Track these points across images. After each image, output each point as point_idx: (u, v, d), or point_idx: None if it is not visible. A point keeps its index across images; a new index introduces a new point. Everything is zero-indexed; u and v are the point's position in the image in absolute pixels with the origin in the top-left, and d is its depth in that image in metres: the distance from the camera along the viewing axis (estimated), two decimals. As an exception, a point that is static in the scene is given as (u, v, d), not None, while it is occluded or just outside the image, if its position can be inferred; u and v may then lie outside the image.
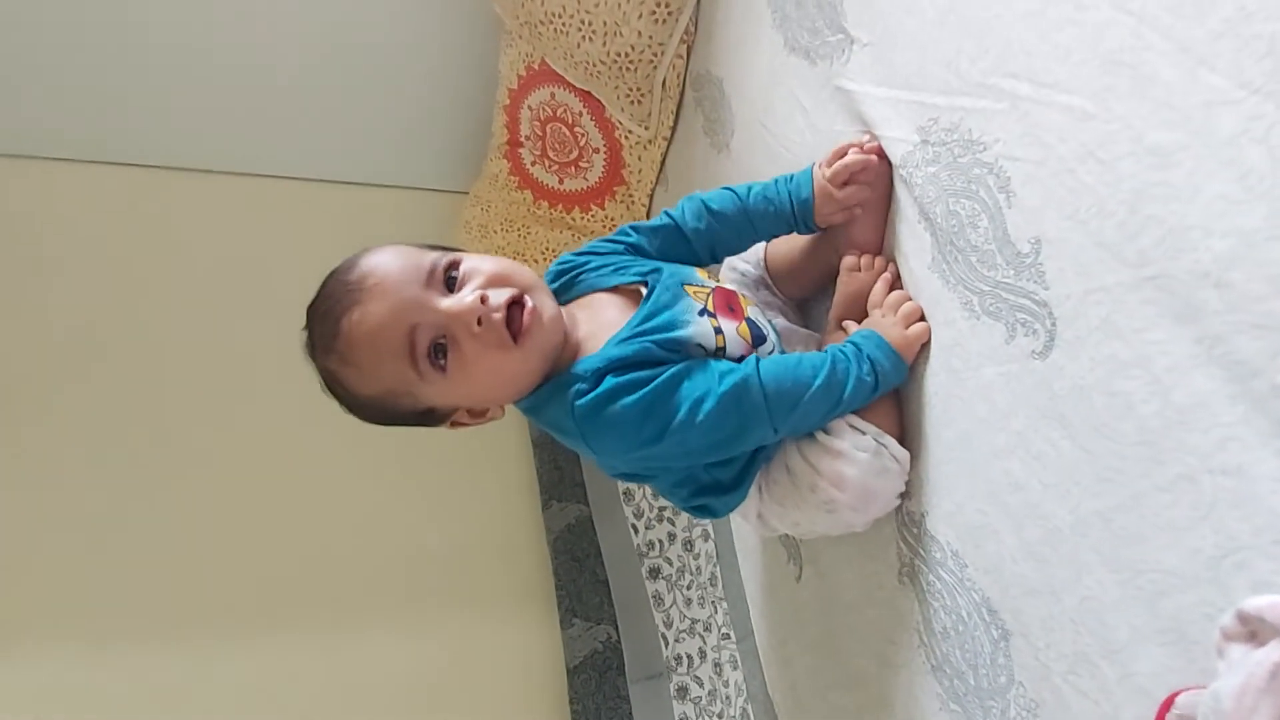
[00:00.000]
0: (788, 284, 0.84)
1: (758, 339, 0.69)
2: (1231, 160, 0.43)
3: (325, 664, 1.18)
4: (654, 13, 1.11)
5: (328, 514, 1.27)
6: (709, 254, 0.78)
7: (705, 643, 1.12)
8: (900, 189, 0.70)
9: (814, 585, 0.83)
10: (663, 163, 1.24)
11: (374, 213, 1.52)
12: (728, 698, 1.05)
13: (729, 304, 0.70)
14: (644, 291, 0.68)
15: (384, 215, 1.53)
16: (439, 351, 0.60)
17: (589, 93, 1.23)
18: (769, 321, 0.74)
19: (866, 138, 0.72)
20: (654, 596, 1.22)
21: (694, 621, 1.15)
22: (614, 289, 0.70)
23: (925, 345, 0.67)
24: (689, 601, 1.17)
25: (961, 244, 0.63)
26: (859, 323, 0.70)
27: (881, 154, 0.70)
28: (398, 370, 0.60)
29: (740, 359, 0.66)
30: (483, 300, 0.59)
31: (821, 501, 0.66)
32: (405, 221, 1.52)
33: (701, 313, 0.67)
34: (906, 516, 0.69)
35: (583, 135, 1.30)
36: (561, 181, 1.38)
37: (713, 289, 0.71)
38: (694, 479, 0.69)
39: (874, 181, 0.70)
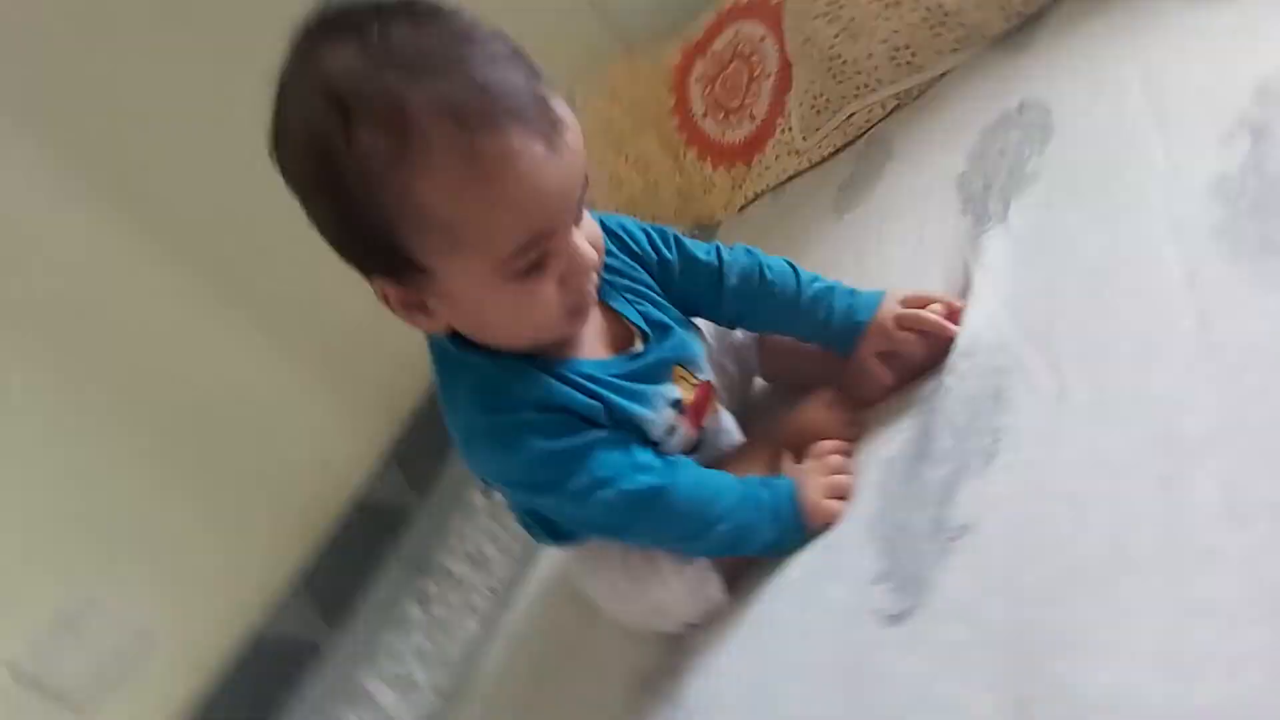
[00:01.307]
0: (774, 362, 0.77)
1: (696, 446, 0.65)
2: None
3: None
4: (896, 53, 1.02)
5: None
6: (730, 319, 0.70)
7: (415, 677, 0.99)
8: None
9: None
10: (786, 180, 1.16)
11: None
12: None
13: (700, 408, 0.64)
14: (639, 348, 0.62)
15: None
16: (533, 268, 0.50)
17: (788, 64, 1.14)
18: (715, 424, 0.68)
19: (958, 304, 0.64)
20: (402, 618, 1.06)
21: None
22: (613, 311, 0.63)
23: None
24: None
25: (918, 468, 0.56)
26: (795, 454, 0.65)
27: (956, 324, 0.62)
28: (484, 234, 0.48)
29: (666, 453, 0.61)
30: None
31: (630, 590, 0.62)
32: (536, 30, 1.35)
33: (673, 404, 0.61)
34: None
35: (751, 98, 1.21)
36: (700, 117, 1.29)
37: (699, 384, 0.64)
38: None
39: (931, 348, 0.63)
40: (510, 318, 0.54)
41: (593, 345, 0.61)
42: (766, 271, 0.68)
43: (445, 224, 0.47)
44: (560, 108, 0.49)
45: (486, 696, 0.86)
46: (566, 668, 0.76)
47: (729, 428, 0.71)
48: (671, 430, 0.61)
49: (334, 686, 0.99)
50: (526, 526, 0.67)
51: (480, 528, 1.10)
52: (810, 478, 0.61)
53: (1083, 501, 0.45)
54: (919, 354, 0.63)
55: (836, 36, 1.05)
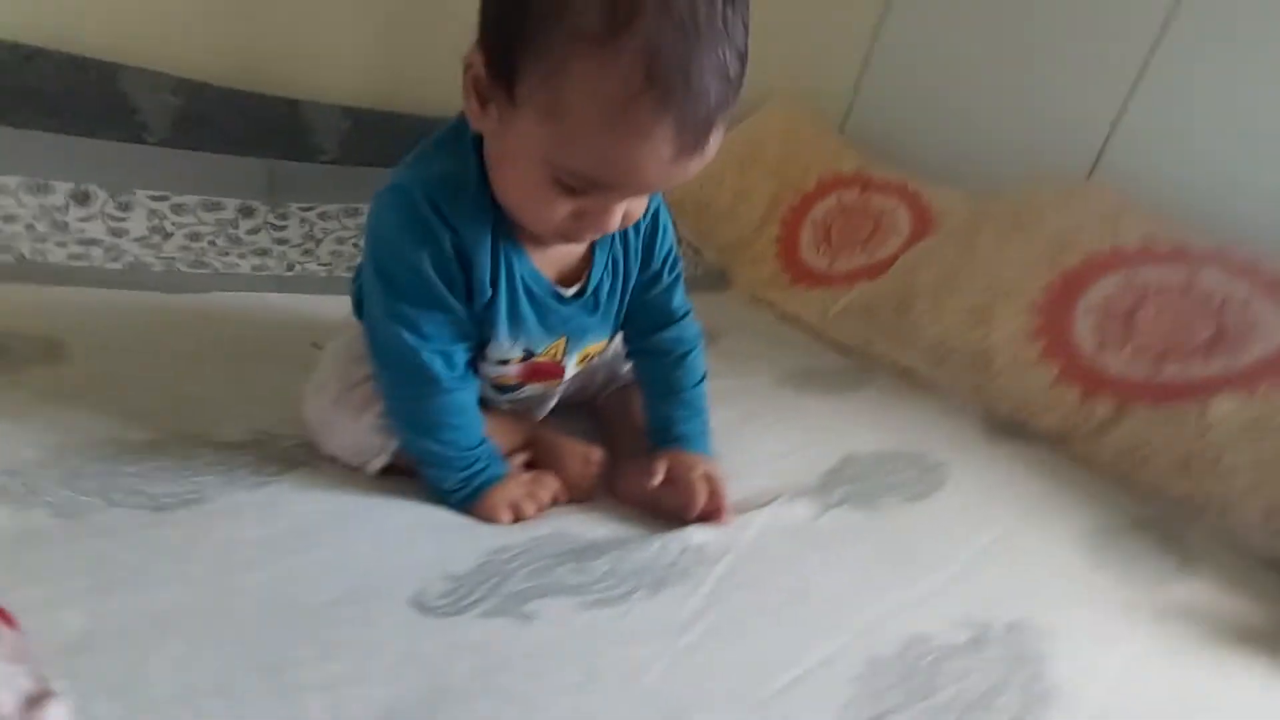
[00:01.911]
0: (614, 404, 0.80)
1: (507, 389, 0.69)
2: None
3: None
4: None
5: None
6: (635, 356, 0.76)
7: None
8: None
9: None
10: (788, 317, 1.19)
11: None
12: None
13: (538, 376, 0.69)
14: (568, 294, 0.65)
15: None
16: (570, 189, 0.52)
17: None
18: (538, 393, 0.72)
19: (730, 521, 0.68)
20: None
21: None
22: (588, 255, 0.66)
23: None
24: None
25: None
26: (540, 461, 0.69)
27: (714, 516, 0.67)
28: (571, 145, 0.49)
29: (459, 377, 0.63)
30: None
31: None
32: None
33: (524, 357, 0.66)
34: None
35: (865, 245, 1.25)
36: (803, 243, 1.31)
37: (557, 364, 0.69)
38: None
39: (680, 510, 0.67)
40: (520, 193, 0.56)
41: (550, 258, 0.64)
42: (686, 359, 0.74)
43: (558, 106, 0.47)
44: (715, 137, 0.50)
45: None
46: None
47: (546, 403, 0.76)
48: (504, 363, 0.66)
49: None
50: (352, 284, 0.71)
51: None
52: (514, 486, 0.65)
53: None
54: (676, 504, 0.67)
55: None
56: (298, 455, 0.65)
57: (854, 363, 1.12)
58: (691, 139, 0.48)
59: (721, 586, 0.60)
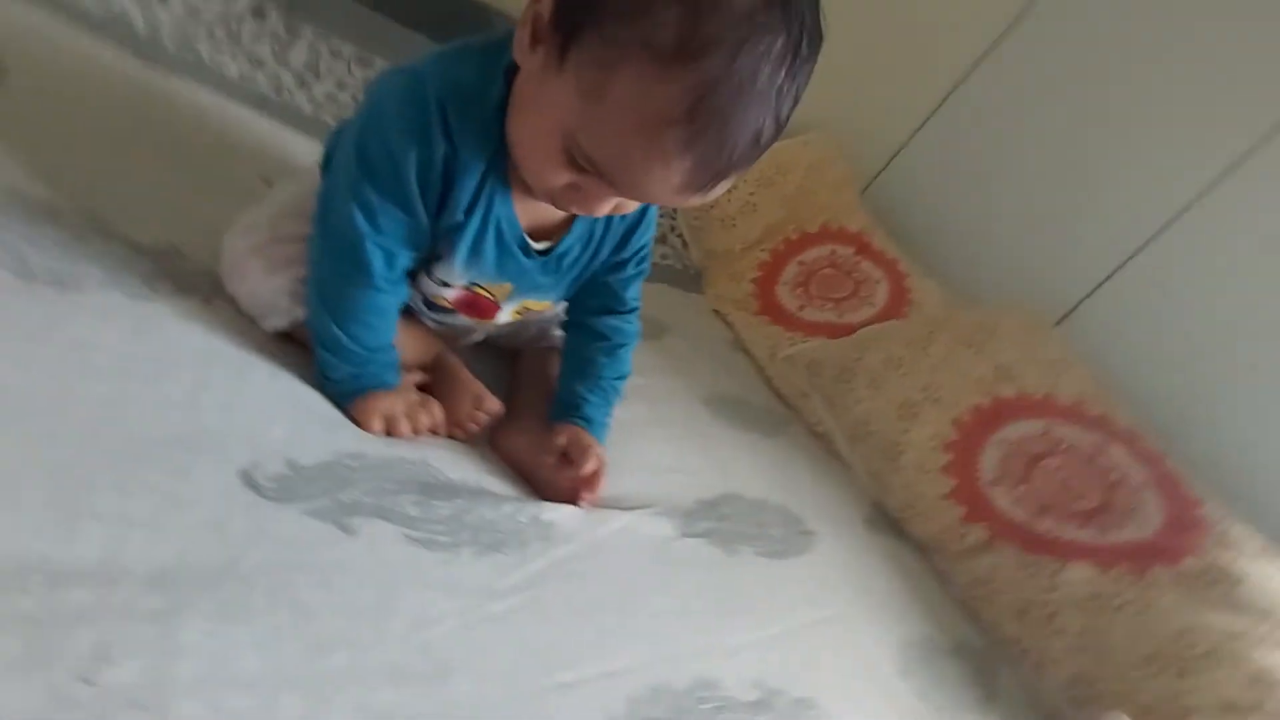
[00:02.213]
0: (534, 361, 0.80)
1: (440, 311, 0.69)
2: None
3: None
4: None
5: None
6: (573, 326, 0.75)
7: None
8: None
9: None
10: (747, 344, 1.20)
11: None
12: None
13: (471, 310, 0.68)
14: (539, 248, 0.64)
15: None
16: (574, 163, 0.51)
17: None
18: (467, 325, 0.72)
19: (591, 504, 0.69)
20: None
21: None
22: (569, 220, 0.65)
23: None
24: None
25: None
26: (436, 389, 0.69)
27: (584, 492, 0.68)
28: (598, 130, 0.49)
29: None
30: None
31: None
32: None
33: (471, 286, 0.66)
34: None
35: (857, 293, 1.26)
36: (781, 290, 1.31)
37: (494, 305, 0.68)
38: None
39: (563, 482, 0.68)
40: (529, 145, 0.54)
41: (530, 208, 0.62)
42: (618, 350, 0.75)
43: (600, 92, 0.47)
44: (723, 186, 0.51)
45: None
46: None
47: (470, 336, 0.75)
48: (445, 285, 0.65)
49: None
50: (330, 138, 0.68)
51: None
52: (397, 400, 0.63)
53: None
54: (550, 478, 0.68)
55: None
56: (197, 283, 0.62)
57: (779, 409, 1.13)
58: (702, 181, 0.49)
59: (551, 570, 0.60)
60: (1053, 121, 1.31)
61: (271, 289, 0.61)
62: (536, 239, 0.64)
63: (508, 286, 0.66)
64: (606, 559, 0.65)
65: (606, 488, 0.70)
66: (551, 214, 0.63)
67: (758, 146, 0.48)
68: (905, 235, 1.40)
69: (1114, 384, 1.10)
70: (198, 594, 0.42)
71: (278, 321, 0.62)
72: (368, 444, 0.60)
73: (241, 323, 0.62)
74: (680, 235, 1.41)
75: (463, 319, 0.70)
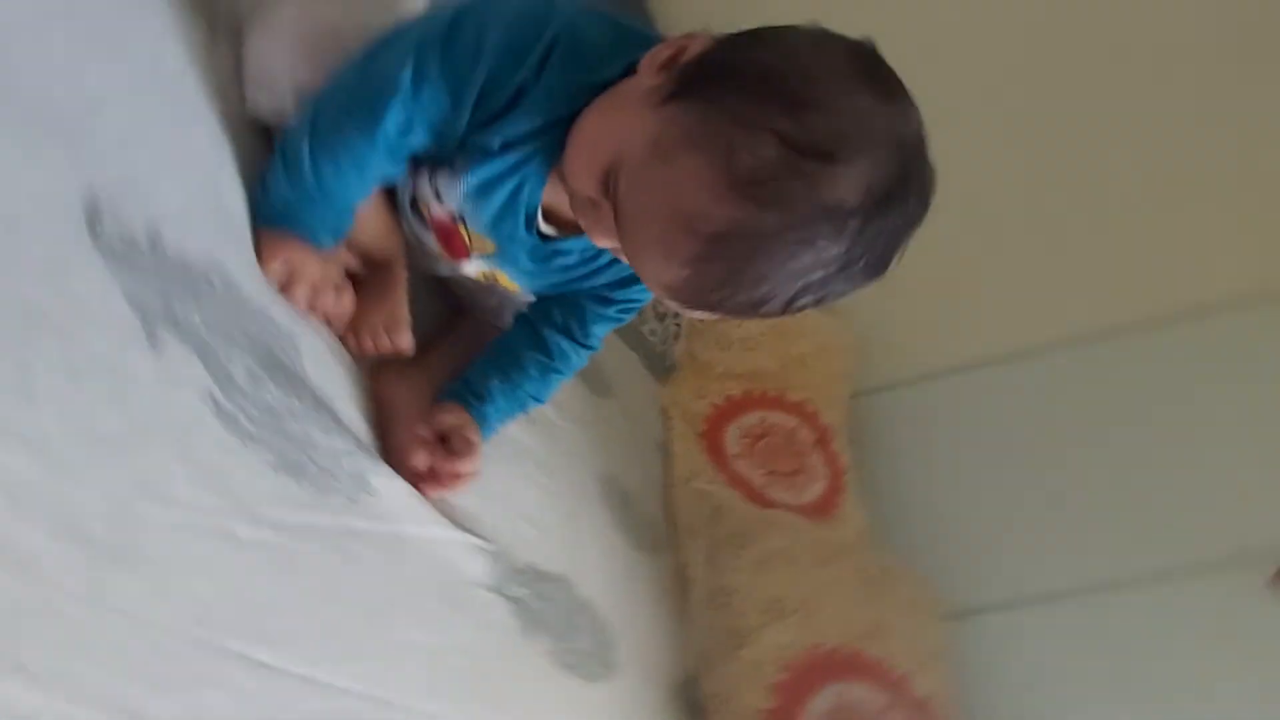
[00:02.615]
0: (476, 327, 0.73)
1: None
2: None
3: None
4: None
5: None
6: (532, 318, 0.68)
7: None
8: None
9: None
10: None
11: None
12: None
13: (445, 239, 0.61)
14: (543, 231, 0.59)
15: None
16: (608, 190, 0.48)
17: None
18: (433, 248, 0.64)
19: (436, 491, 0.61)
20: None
21: None
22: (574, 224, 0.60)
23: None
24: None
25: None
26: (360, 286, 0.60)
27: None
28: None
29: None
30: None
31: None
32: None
33: (455, 217, 0.59)
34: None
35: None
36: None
37: (468, 256, 0.62)
38: None
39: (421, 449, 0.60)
40: (586, 140, 0.50)
41: (560, 195, 0.56)
42: (552, 374, 0.68)
43: (671, 155, 0.44)
44: (725, 316, 0.48)
45: None
46: None
47: (435, 264, 0.67)
48: (437, 198, 0.58)
49: None
50: None
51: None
52: (315, 263, 0.55)
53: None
54: (419, 453, 0.59)
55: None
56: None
57: (661, 530, 1.06)
58: (686, 299, 0.46)
59: (332, 534, 0.50)
60: (1057, 446, 1.32)
61: (287, 66, 0.53)
62: (547, 221, 0.58)
63: (490, 246, 0.60)
64: (396, 561, 0.55)
65: (455, 495, 0.61)
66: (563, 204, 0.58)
67: (754, 311, 0.46)
68: (863, 454, 1.38)
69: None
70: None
71: (264, 101, 0.54)
72: (249, 279, 0.51)
73: (227, 81, 0.54)
74: (678, 324, 1.37)
75: (431, 243, 0.63)
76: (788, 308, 0.45)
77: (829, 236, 0.42)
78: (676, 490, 1.13)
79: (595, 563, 0.84)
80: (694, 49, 0.47)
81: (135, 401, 0.40)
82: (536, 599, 0.70)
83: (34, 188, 0.38)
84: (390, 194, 0.62)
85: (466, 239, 0.60)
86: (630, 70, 0.50)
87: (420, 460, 0.59)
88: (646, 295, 0.66)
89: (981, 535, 1.28)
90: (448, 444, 0.60)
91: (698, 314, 0.47)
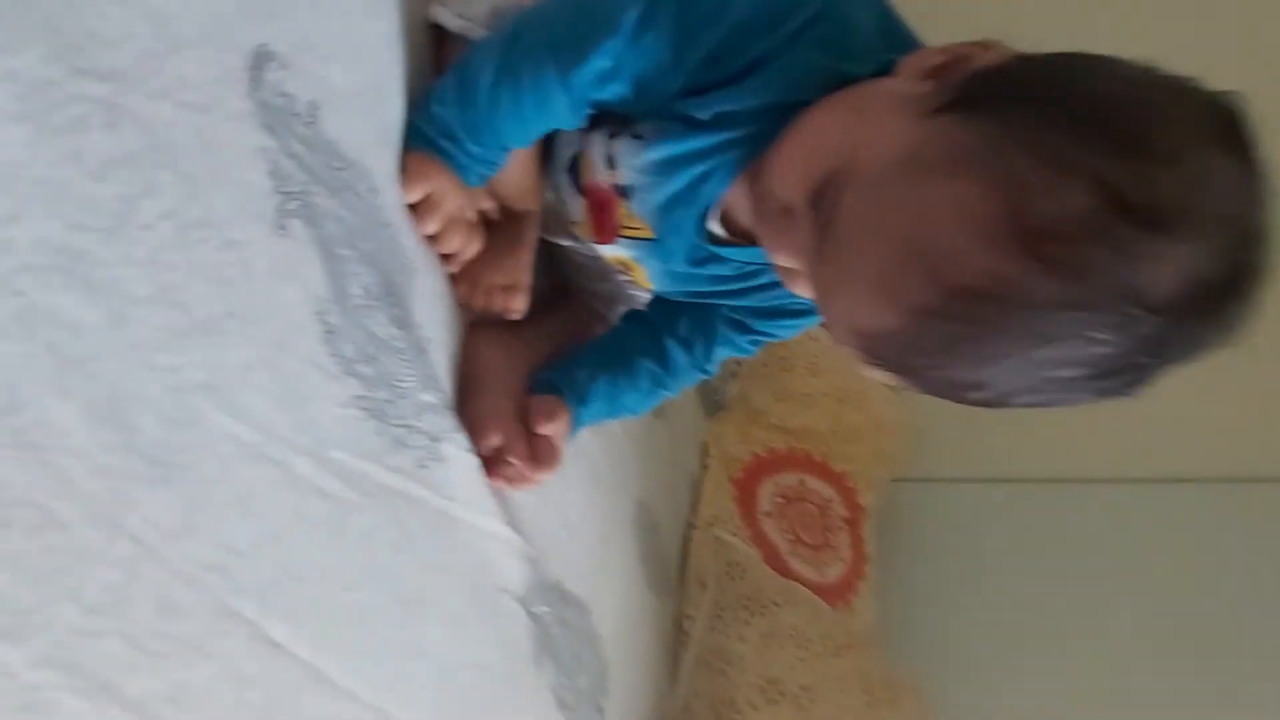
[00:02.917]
0: (582, 307, 0.65)
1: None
2: None
3: None
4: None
5: None
6: (658, 318, 0.61)
7: None
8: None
9: None
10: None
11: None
12: None
13: (598, 207, 0.53)
14: (714, 228, 0.50)
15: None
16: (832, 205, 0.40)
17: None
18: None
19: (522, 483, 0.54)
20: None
21: None
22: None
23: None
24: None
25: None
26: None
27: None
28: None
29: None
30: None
31: None
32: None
33: (620, 189, 0.51)
34: None
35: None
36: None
37: (616, 234, 0.53)
38: None
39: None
40: (807, 138, 0.42)
41: (744, 202, 0.48)
42: (659, 387, 0.61)
43: (931, 173, 0.35)
44: (906, 383, 0.39)
45: None
46: None
47: (567, 239, 0.60)
48: (608, 165, 0.50)
49: None
50: None
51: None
52: (457, 202, 0.49)
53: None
54: (509, 430, 0.53)
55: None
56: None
57: (671, 574, 0.98)
58: (876, 353, 0.37)
59: (388, 499, 0.42)
60: (1092, 581, 1.25)
61: None
62: (721, 224, 0.50)
63: (647, 232, 0.52)
64: (443, 546, 0.47)
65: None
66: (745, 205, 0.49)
67: (955, 394, 0.37)
68: (887, 543, 1.30)
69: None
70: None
71: (449, 15, 0.48)
72: (390, 193, 0.44)
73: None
74: (739, 362, 1.30)
75: (575, 210, 0.56)
76: (1000, 403, 0.36)
77: (1112, 330, 0.31)
78: (697, 534, 1.05)
79: (615, 594, 0.76)
80: (987, 58, 0.38)
81: (238, 284, 0.32)
82: (556, 622, 0.62)
83: (208, 11, 0.31)
84: (545, 145, 0.55)
85: (622, 217, 0.53)
86: (883, 71, 0.42)
87: (497, 440, 0.51)
88: (789, 333, 0.58)
89: (992, 658, 1.20)
90: (532, 440, 0.53)
91: (877, 374, 0.39)
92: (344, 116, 0.39)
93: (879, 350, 0.37)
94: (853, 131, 0.39)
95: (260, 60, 0.33)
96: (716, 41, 0.42)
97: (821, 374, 1.27)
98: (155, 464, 0.28)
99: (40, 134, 0.24)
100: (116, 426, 0.27)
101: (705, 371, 0.61)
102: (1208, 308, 0.32)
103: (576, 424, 0.57)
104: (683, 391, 1.15)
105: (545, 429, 0.53)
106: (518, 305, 0.54)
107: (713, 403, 1.24)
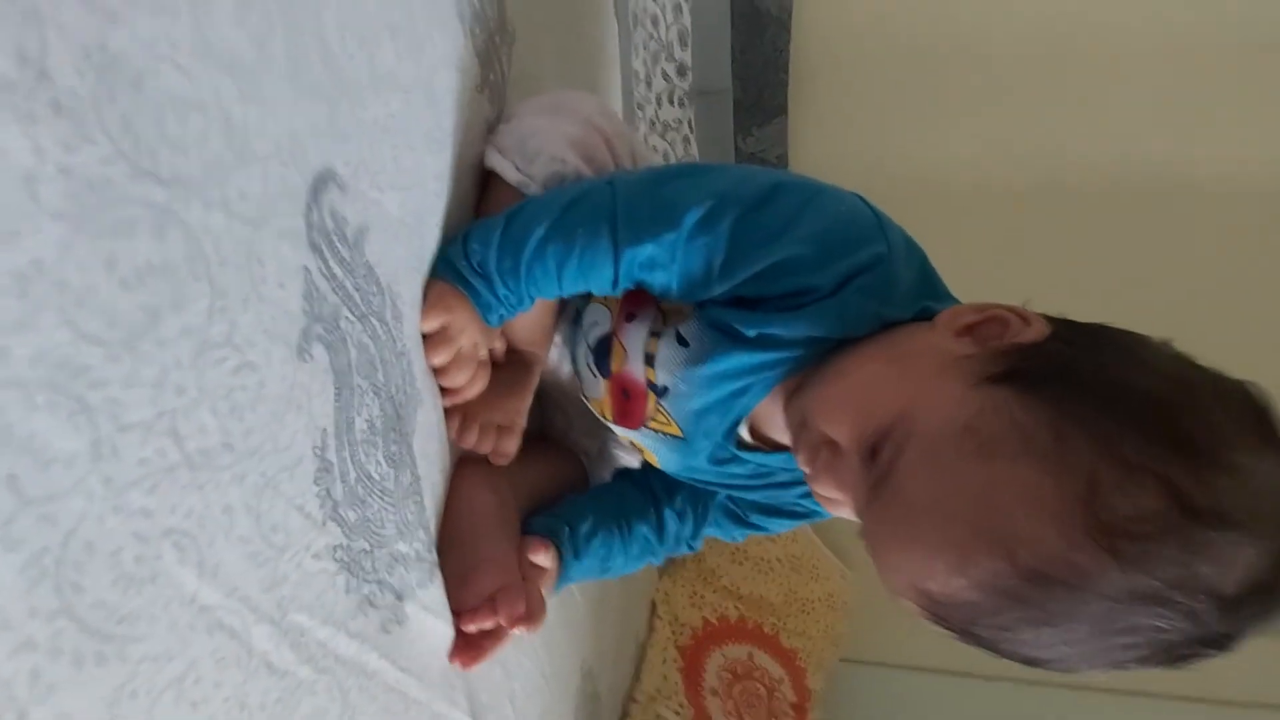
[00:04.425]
0: (559, 459, 0.62)
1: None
2: None
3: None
4: None
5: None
6: (654, 500, 0.58)
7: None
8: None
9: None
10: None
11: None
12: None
13: (626, 402, 0.51)
14: (743, 435, 0.50)
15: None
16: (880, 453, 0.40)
17: None
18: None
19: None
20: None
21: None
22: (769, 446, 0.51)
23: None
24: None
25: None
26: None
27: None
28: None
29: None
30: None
31: None
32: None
33: (653, 386, 0.50)
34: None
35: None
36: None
37: (640, 426, 0.51)
38: None
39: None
40: (854, 388, 0.42)
41: (774, 413, 0.47)
42: (648, 553, 0.59)
43: (993, 453, 0.35)
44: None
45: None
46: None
47: (571, 391, 0.58)
48: (650, 364, 0.49)
49: None
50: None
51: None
52: (472, 339, 0.47)
53: None
54: (502, 578, 0.48)
55: None
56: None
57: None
58: (922, 608, 0.37)
59: (342, 665, 0.35)
60: None
61: (559, 137, 0.48)
62: (749, 432, 0.50)
63: (676, 430, 0.50)
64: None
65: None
66: (780, 429, 0.48)
67: (1017, 658, 0.36)
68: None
69: None
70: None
71: (509, 166, 0.48)
72: (410, 320, 0.41)
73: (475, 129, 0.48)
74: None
75: (593, 389, 0.53)
76: (1062, 671, 0.35)
77: (1180, 619, 0.32)
78: (637, 709, 0.95)
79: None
80: (1029, 333, 0.39)
81: (244, 412, 0.28)
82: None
83: (284, 129, 0.29)
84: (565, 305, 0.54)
85: (650, 410, 0.50)
86: (918, 316, 0.43)
87: (493, 588, 0.46)
88: (783, 529, 0.56)
89: None
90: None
91: (944, 630, 0.37)
92: (386, 243, 0.37)
93: (946, 612, 0.36)
94: (905, 387, 0.39)
95: (324, 180, 0.31)
96: (767, 265, 0.42)
97: (778, 540, 1.24)
98: (91, 636, 0.22)
99: (79, 234, 0.21)
100: (58, 586, 0.21)
101: (691, 548, 0.58)
102: (1266, 600, 0.33)
103: (566, 578, 0.52)
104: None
105: (537, 561, 0.49)
106: (510, 449, 0.51)
107: (667, 559, 1.18)
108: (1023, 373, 0.37)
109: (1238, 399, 0.35)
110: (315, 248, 0.31)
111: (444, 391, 0.47)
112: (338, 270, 0.33)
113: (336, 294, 0.33)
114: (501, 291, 0.46)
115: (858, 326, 0.43)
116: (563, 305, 0.55)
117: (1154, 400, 0.34)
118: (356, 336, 0.34)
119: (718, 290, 0.44)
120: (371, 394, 0.36)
